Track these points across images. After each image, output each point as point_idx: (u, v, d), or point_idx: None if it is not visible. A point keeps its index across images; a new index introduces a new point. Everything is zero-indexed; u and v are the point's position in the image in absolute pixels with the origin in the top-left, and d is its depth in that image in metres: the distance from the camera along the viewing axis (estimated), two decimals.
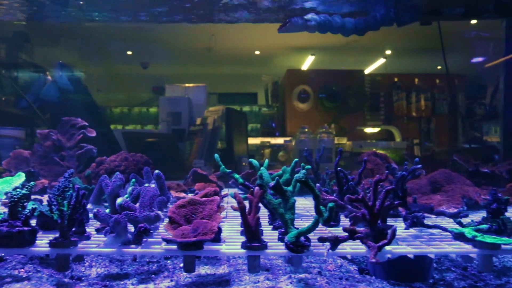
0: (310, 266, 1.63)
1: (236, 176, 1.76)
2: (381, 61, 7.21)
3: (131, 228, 1.39)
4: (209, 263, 1.66)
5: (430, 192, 2.05)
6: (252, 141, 7.19)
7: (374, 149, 6.21)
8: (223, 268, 1.59)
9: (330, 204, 1.27)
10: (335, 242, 1.28)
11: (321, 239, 1.28)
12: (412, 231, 1.59)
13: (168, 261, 1.71)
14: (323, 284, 1.40)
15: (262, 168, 1.65)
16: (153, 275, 1.54)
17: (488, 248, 1.34)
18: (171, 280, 1.48)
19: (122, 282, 1.46)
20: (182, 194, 2.20)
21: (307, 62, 7.53)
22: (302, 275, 1.50)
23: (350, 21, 2.57)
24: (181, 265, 1.63)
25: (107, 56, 6.63)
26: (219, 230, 1.39)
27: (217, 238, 1.37)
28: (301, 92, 7.06)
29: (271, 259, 1.72)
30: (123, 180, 1.62)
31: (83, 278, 1.50)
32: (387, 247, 1.33)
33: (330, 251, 1.29)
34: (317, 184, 1.46)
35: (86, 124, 2.32)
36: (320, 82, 7.05)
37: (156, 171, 1.74)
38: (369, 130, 7.02)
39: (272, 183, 1.37)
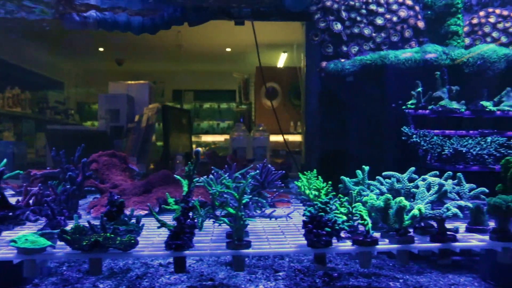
0: None
1: None
2: None
3: None
4: None
5: (141, 193, 2.01)
6: (219, 138, 7.26)
7: None
8: None
9: None
10: None
11: None
12: None
13: None
14: None
15: None
16: None
17: (24, 253, 1.31)
18: None
19: None
20: None
21: (281, 60, 7.42)
22: None
23: (138, 19, 2.53)
24: None
25: (80, 52, 6.90)
26: None
27: None
28: (270, 89, 6.98)
29: None
30: None
31: None
32: None
33: None
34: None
35: None
36: (288, 79, 6.94)
37: None
38: None
39: None
